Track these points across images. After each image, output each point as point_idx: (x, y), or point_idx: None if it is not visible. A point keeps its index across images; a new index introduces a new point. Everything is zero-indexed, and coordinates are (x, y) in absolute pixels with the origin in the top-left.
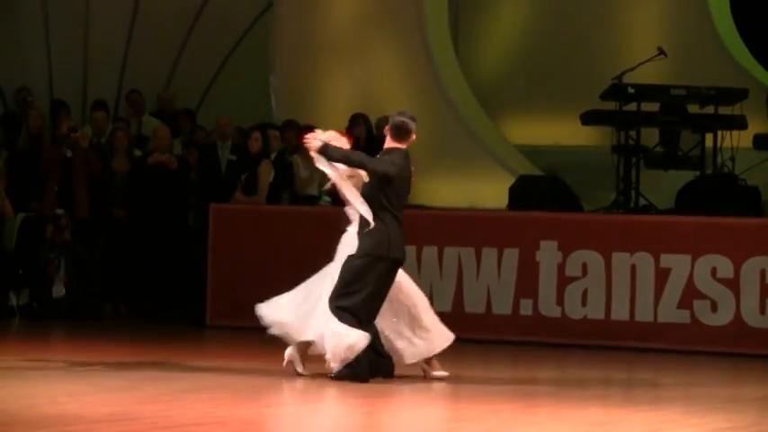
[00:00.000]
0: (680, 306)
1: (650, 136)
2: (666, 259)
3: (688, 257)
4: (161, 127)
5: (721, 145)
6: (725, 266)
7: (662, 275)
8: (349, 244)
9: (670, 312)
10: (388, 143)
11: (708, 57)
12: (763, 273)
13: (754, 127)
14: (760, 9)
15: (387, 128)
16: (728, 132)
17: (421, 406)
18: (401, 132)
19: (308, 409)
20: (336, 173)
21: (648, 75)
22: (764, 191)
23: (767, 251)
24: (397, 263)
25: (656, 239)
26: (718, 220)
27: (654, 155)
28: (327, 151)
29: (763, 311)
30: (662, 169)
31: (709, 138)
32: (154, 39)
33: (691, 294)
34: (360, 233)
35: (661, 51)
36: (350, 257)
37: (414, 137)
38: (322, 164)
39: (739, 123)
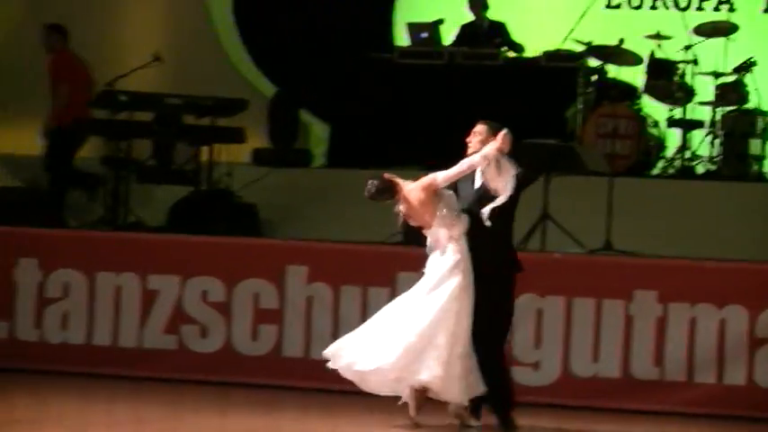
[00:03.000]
0: (167, 331)
1: (143, 148)
2: (154, 280)
3: (177, 279)
4: None
5: (218, 159)
6: (216, 289)
7: (149, 298)
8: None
9: (157, 338)
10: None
11: (209, 66)
12: (256, 296)
13: (254, 141)
14: (264, 19)
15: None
16: (226, 146)
17: None
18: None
19: None
20: None
21: (146, 83)
22: (263, 209)
23: (261, 273)
24: None
25: (145, 259)
26: (211, 239)
27: (146, 168)
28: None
29: (255, 337)
30: (154, 183)
31: (205, 151)
32: None
33: (179, 318)
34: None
35: (157, 58)
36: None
37: None
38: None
39: (237, 137)
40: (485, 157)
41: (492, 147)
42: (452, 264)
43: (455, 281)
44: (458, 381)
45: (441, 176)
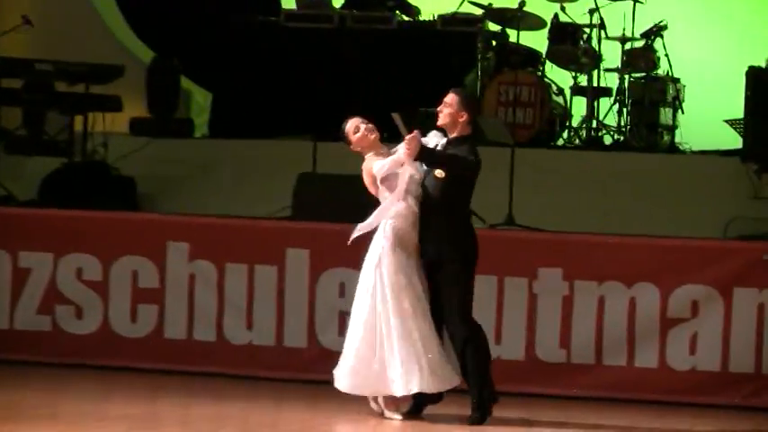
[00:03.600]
0: (40, 312)
1: (12, 117)
2: (26, 258)
3: (50, 256)
4: None
5: (93, 129)
6: (92, 267)
7: (20, 276)
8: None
9: (29, 319)
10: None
11: (82, 30)
12: (135, 274)
13: (132, 110)
14: None
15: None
16: (101, 115)
17: None
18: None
19: None
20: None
21: (14, 48)
22: (141, 182)
23: (140, 249)
24: None
25: (15, 235)
26: (86, 213)
27: (15, 138)
28: (427, 154)
29: (134, 318)
30: (25, 155)
31: (79, 120)
32: None
33: (53, 298)
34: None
35: (27, 21)
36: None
37: None
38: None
39: (113, 105)
40: (395, 162)
41: (403, 152)
42: (375, 245)
43: (371, 262)
44: (350, 370)
45: (376, 167)
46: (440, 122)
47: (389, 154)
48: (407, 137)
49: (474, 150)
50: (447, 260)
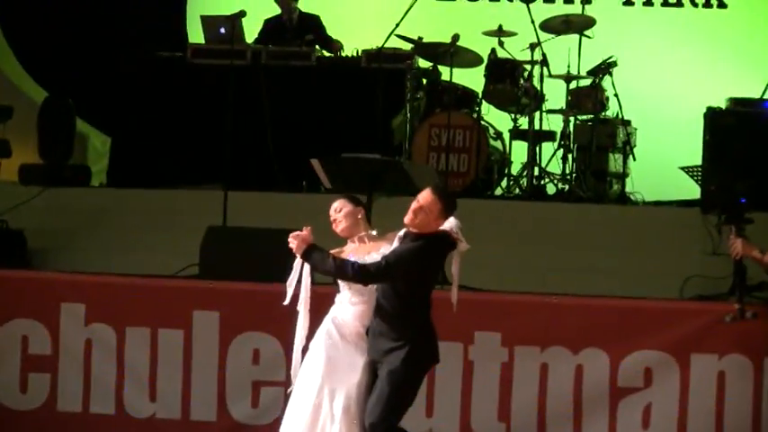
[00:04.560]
0: None
1: None
2: None
3: None
4: None
5: None
6: None
7: None
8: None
9: None
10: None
11: None
12: (25, 340)
13: (22, 155)
14: (33, 12)
15: (438, 208)
16: None
17: None
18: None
19: None
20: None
21: None
22: (32, 236)
23: (30, 312)
24: None
25: None
26: None
27: None
28: (311, 258)
29: (24, 389)
30: None
31: None
32: None
33: None
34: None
35: None
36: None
37: None
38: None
39: (0, 150)
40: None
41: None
42: (319, 334)
43: (312, 353)
44: None
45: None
46: (407, 221)
47: (372, 238)
48: (293, 233)
49: (419, 253)
50: (387, 362)
